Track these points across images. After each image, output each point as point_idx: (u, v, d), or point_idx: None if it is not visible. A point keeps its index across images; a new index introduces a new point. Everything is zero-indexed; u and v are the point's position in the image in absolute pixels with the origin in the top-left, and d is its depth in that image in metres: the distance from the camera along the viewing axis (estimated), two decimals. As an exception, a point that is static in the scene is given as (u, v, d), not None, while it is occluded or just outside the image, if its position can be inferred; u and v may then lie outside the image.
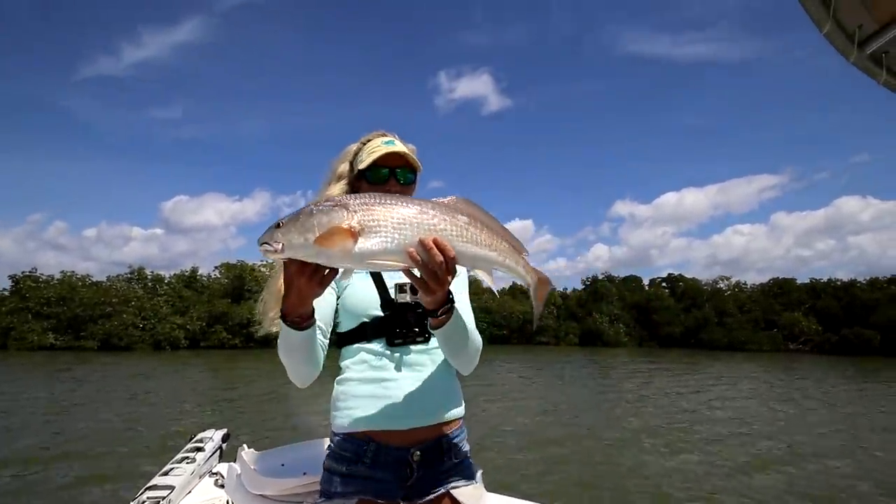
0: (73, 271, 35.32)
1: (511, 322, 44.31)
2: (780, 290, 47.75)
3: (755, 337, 43.15)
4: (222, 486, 2.02)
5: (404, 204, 0.96)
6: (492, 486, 1.45)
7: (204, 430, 2.76)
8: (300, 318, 1.06)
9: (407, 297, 1.27)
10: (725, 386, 16.33)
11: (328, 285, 1.02)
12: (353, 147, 1.42)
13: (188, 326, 33.24)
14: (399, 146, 1.34)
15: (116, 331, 30.98)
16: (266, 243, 0.91)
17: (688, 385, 16.21)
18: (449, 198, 1.03)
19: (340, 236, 0.89)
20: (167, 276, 38.34)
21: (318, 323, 1.15)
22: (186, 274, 38.58)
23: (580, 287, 52.74)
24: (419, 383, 1.28)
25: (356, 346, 1.32)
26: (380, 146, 1.33)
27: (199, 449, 2.45)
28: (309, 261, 0.93)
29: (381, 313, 1.30)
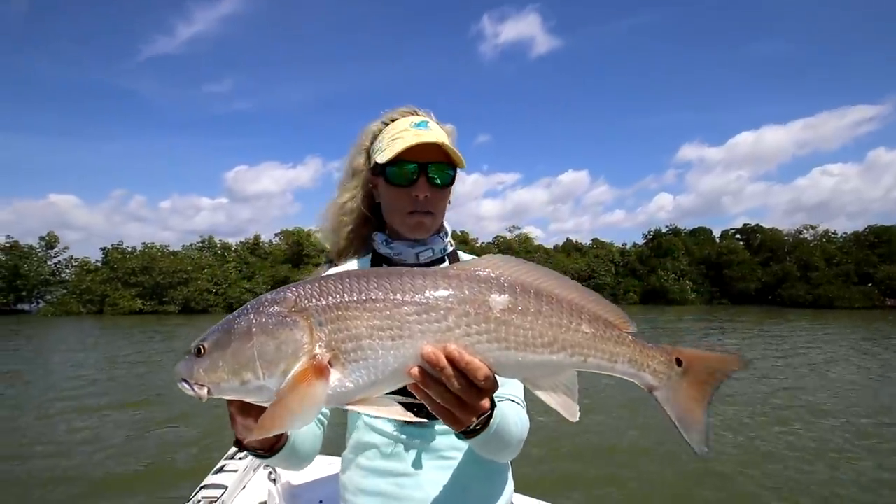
0: (153, 242, 38.85)
1: (567, 280, 42.91)
2: (878, 240, 42.45)
3: (846, 292, 38.98)
4: (274, 481, 1.97)
5: (397, 291, 0.61)
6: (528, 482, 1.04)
7: None
8: (262, 449, 0.79)
9: None
10: (812, 347, 14.63)
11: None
12: (373, 127, 1.10)
13: (255, 291, 35.58)
14: (435, 132, 1.01)
15: (193, 296, 34.05)
16: (184, 380, 0.61)
17: (768, 346, 14.71)
18: (476, 260, 0.66)
19: (301, 382, 0.56)
20: (234, 243, 41.39)
21: None
22: (250, 241, 41.36)
23: (641, 241, 50.04)
24: (447, 478, 0.98)
25: (362, 422, 1.04)
26: (407, 130, 1.00)
27: None
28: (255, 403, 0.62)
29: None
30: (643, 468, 5.27)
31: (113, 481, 5.02)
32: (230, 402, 0.65)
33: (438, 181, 1.03)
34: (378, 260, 1.11)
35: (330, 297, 0.60)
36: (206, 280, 35.08)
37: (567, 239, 51.35)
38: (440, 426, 0.99)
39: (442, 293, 0.61)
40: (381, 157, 1.01)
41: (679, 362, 0.67)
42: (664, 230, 49.50)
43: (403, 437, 1.00)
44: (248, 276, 36.94)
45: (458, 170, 1.07)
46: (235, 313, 0.62)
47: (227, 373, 0.59)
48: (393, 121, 1.07)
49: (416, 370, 0.60)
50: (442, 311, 0.60)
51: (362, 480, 1.02)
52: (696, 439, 0.67)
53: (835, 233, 46.72)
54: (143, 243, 38.01)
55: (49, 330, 21.64)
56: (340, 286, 0.61)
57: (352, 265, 1.12)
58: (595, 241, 49.93)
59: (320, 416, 1.02)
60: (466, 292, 0.61)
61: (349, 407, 0.62)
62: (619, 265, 46.07)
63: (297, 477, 1.98)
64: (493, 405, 0.74)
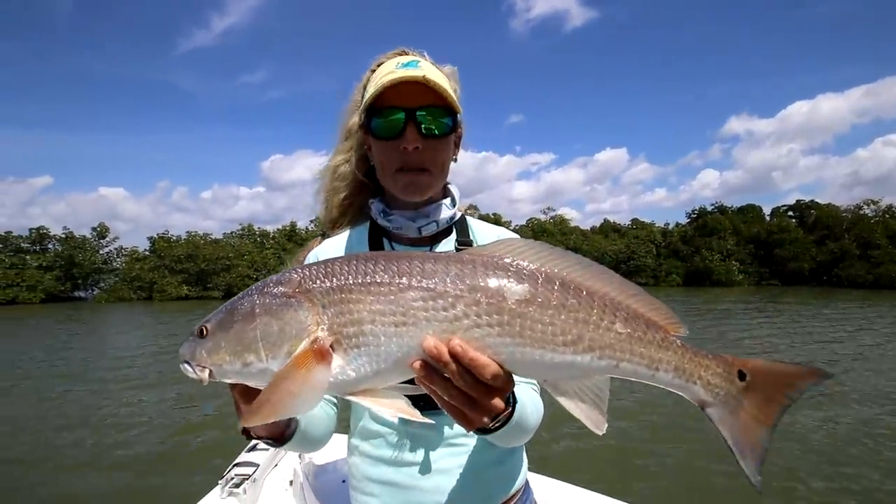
0: (196, 231, 40.32)
1: (603, 262, 41.33)
2: (950, 214, 38.95)
3: (911, 272, 36.13)
4: (309, 458, 2.00)
5: (404, 275, 0.56)
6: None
7: None
8: (270, 438, 0.79)
9: None
10: (878, 332, 13.49)
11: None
12: (363, 80, 0.97)
13: (293, 276, 36.54)
14: (424, 68, 0.87)
15: (235, 282, 35.05)
16: (187, 362, 0.60)
17: (825, 329, 13.68)
18: (495, 242, 0.59)
19: (301, 366, 0.54)
20: (272, 230, 42.37)
21: None
22: (287, 228, 42.36)
23: (684, 220, 47.96)
24: (457, 466, 0.93)
25: (367, 409, 0.98)
26: (392, 72, 0.86)
27: None
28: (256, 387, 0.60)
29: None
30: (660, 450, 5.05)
31: (153, 458, 5.15)
32: (233, 386, 0.62)
33: (433, 130, 0.88)
34: (376, 231, 1.01)
35: (335, 279, 0.57)
36: (246, 266, 36.13)
37: (605, 220, 49.98)
38: (447, 416, 0.79)
39: (452, 279, 0.56)
40: (364, 107, 0.89)
41: (742, 375, 0.58)
42: (709, 208, 47.41)
43: (412, 425, 0.92)
44: (286, 262, 37.78)
45: (457, 118, 0.91)
46: (240, 294, 0.61)
47: (229, 354, 0.57)
48: (380, 65, 0.93)
49: (418, 363, 0.55)
50: (451, 299, 0.55)
51: (369, 468, 0.97)
52: (752, 468, 0.58)
53: (900, 208, 43.38)
54: (188, 232, 39.51)
55: (104, 315, 22.75)
56: (346, 268, 0.58)
57: (344, 237, 1.03)
58: (635, 221, 48.33)
59: (331, 396, 0.97)
60: (480, 279, 0.55)
61: (351, 398, 0.58)
62: (661, 246, 44.34)
63: (323, 456, 2.00)
64: (513, 401, 0.69)
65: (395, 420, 0.92)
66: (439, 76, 0.88)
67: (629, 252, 42.55)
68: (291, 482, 2.00)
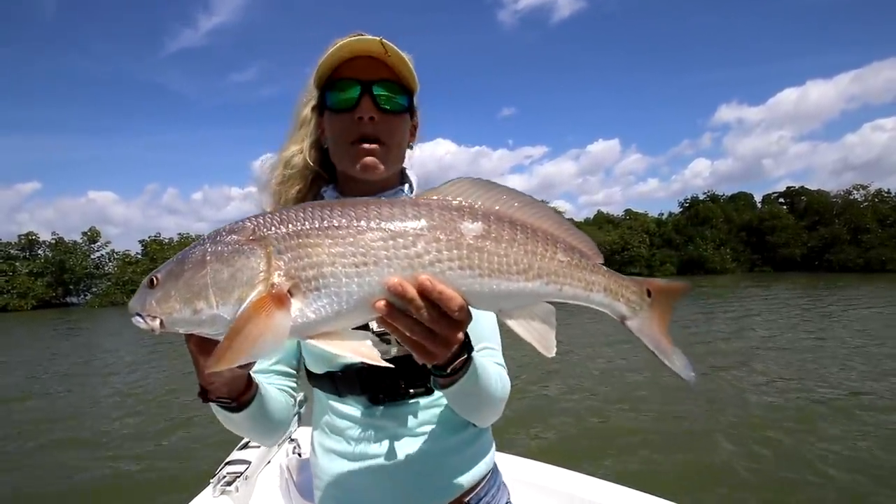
0: (189, 233, 40.11)
1: (599, 254, 41.82)
2: (939, 197, 39.39)
3: (902, 254, 36.57)
4: (299, 455, 1.98)
5: (362, 218, 0.58)
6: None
7: None
8: (229, 398, 0.76)
9: (393, 350, 0.88)
10: (867, 315, 13.65)
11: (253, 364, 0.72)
12: (319, 62, 0.92)
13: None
14: (378, 41, 0.86)
15: (229, 283, 34.72)
16: (138, 314, 0.59)
17: (817, 314, 13.85)
18: (445, 184, 0.63)
19: (260, 310, 0.54)
20: (264, 230, 41.84)
21: (273, 367, 0.97)
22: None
23: (677, 210, 48.24)
24: (421, 456, 0.92)
25: (327, 402, 0.97)
26: (345, 43, 0.86)
27: None
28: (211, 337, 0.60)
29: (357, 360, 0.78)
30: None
31: (143, 454, 5.13)
32: (188, 339, 0.61)
33: (388, 105, 0.87)
34: None
35: (290, 226, 0.57)
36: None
37: (598, 211, 50.15)
38: (411, 406, 0.93)
39: (410, 220, 0.58)
40: (317, 80, 0.88)
41: (649, 293, 0.69)
42: (701, 197, 47.71)
43: (370, 419, 0.93)
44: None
45: (413, 97, 0.92)
46: (192, 244, 0.60)
47: (178, 302, 0.56)
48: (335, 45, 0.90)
49: (381, 303, 0.56)
50: (410, 238, 0.57)
51: (330, 464, 0.96)
52: (680, 365, 0.69)
53: (888, 192, 43.99)
54: (180, 234, 39.38)
55: (97, 321, 22.51)
56: (302, 215, 0.59)
57: None
58: (628, 212, 48.51)
59: (289, 387, 0.99)
60: (437, 219, 0.59)
61: (313, 341, 0.58)
62: (655, 236, 44.54)
63: (308, 452, 1.95)
64: (469, 348, 0.72)
65: (359, 407, 0.93)
66: (393, 48, 0.87)
67: (623, 243, 42.70)
68: (300, 453, 2.00)
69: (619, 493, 1.73)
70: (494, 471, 1.04)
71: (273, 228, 0.58)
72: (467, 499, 0.96)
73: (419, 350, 0.62)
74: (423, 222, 0.58)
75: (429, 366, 0.68)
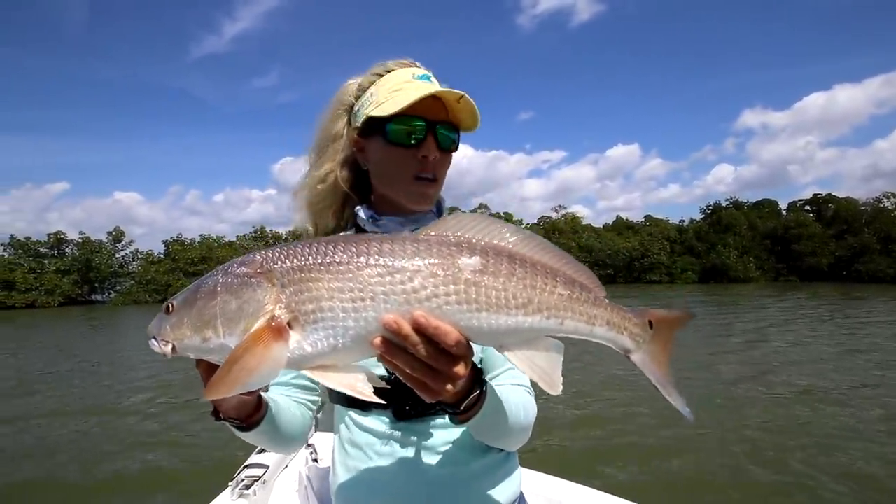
0: (210, 234, 40.79)
1: (616, 260, 41.49)
2: (977, 206, 37.93)
3: (936, 265, 35.30)
4: (316, 461, 1.99)
5: (362, 254, 0.59)
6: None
7: None
8: (238, 418, 0.78)
9: None
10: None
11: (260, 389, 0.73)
12: (357, 83, 0.97)
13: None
14: (438, 84, 0.93)
15: (248, 284, 35.20)
16: (153, 338, 0.63)
17: (843, 326, 13.31)
18: (446, 219, 0.63)
19: (258, 342, 0.56)
20: (284, 232, 42.37)
21: (294, 380, 0.98)
22: (298, 231, 42.07)
23: (699, 217, 47.34)
24: (447, 476, 0.91)
25: (349, 417, 0.97)
26: (410, 82, 0.91)
27: None
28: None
29: (381, 372, 0.76)
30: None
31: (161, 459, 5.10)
32: (198, 364, 0.65)
33: (448, 145, 0.92)
34: None
35: (295, 260, 0.60)
36: (259, 268, 36.46)
37: (617, 217, 49.52)
38: (435, 422, 0.92)
39: (409, 256, 0.59)
40: (381, 110, 0.88)
41: (651, 324, 0.68)
42: (724, 204, 46.80)
43: (395, 433, 0.92)
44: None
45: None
46: (206, 275, 0.64)
47: (190, 329, 0.60)
48: (389, 72, 0.93)
49: (378, 339, 0.57)
50: (408, 274, 0.58)
51: (350, 480, 0.95)
52: (679, 402, 0.68)
53: (921, 200, 42.35)
54: (201, 235, 40.05)
55: (121, 318, 22.97)
56: (308, 250, 0.60)
57: None
58: (648, 217, 47.83)
59: (309, 401, 0.99)
60: (435, 255, 0.59)
61: (309, 373, 0.60)
62: (675, 243, 43.74)
63: (328, 460, 2.05)
64: (482, 383, 0.72)
65: (383, 422, 0.92)
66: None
67: (643, 249, 42.07)
68: (316, 458, 2.02)
69: None
70: (521, 499, 1.02)
71: (279, 262, 0.60)
72: None
73: (421, 387, 0.61)
74: (421, 258, 0.59)
75: (440, 402, 0.66)
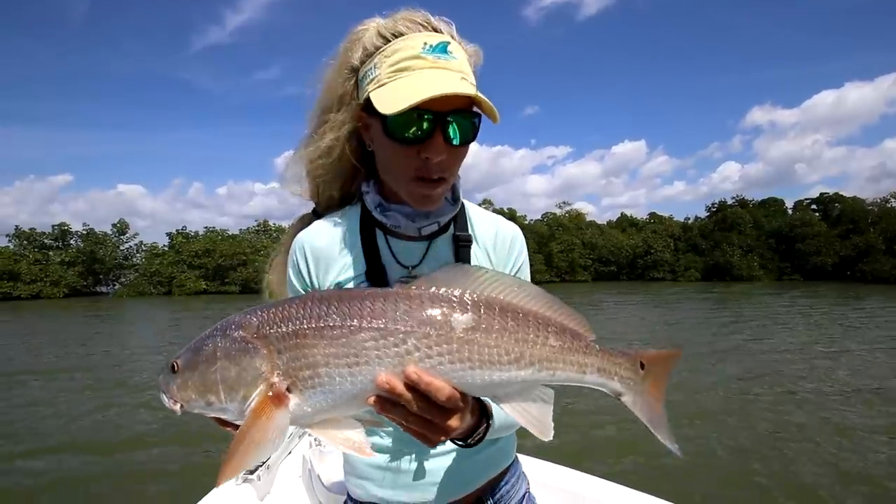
0: (214, 227, 40.80)
1: (620, 257, 41.43)
2: None
3: (941, 267, 35.12)
4: (319, 445, 2.03)
5: (355, 316, 0.60)
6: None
7: None
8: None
9: None
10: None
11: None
12: (365, 38, 0.80)
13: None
14: (460, 62, 0.77)
15: (251, 277, 35.34)
16: (163, 393, 0.66)
17: (853, 326, 13.27)
18: (436, 274, 0.63)
19: (261, 415, 0.59)
20: (287, 226, 42.25)
21: None
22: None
23: (704, 214, 47.11)
24: (450, 450, 0.94)
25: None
26: (419, 58, 0.74)
27: None
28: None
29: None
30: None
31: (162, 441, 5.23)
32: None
33: (457, 141, 0.77)
34: (368, 221, 0.90)
35: (290, 324, 0.61)
36: (262, 262, 36.18)
37: (622, 214, 49.34)
38: None
39: (401, 316, 0.60)
40: (378, 99, 0.74)
41: (642, 365, 0.68)
42: (730, 202, 46.52)
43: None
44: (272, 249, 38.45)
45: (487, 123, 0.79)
46: (205, 333, 0.65)
47: (194, 393, 0.63)
48: (398, 35, 0.77)
49: (373, 399, 0.59)
50: (401, 336, 0.59)
51: (363, 472, 0.97)
52: (669, 439, 0.69)
53: (929, 200, 42.03)
54: (205, 227, 40.13)
55: (126, 310, 23.13)
56: (301, 312, 0.62)
57: (336, 227, 0.92)
58: (652, 215, 47.64)
59: None
60: (427, 314, 0.60)
61: (311, 430, 0.63)
62: (679, 240, 43.58)
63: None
64: (488, 415, 0.76)
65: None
66: (470, 71, 0.79)
67: (646, 247, 41.94)
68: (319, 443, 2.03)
69: (625, 494, 1.73)
70: (515, 461, 1.07)
71: (275, 327, 0.61)
72: (492, 487, 0.99)
73: (419, 436, 0.63)
74: (413, 318, 0.59)
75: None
